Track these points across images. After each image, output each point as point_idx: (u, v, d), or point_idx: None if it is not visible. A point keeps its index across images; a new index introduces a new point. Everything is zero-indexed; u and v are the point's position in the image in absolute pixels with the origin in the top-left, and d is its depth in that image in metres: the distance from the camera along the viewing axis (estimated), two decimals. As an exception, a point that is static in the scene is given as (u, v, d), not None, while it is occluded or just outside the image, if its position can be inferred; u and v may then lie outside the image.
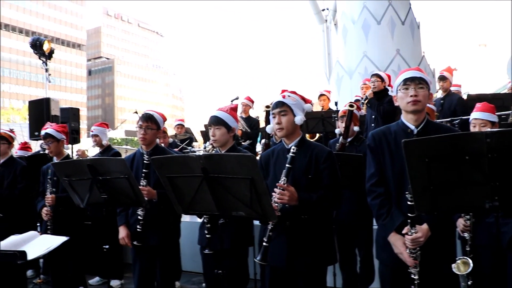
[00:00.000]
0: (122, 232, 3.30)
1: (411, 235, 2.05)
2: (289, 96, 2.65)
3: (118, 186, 2.70)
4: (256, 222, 2.93)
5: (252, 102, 7.38)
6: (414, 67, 2.42)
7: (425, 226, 2.08)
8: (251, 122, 7.16)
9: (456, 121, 4.82)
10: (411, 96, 2.23)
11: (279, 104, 2.61)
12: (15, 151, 5.58)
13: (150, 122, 3.29)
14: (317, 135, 6.79)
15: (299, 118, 2.58)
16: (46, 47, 8.15)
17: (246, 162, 1.94)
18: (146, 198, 2.89)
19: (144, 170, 3.13)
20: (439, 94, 6.25)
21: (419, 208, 1.70)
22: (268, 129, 2.72)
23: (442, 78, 5.99)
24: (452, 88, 6.28)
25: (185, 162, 2.10)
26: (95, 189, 2.78)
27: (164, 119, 3.47)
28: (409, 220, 2.02)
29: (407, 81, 2.27)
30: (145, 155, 3.19)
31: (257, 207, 2.04)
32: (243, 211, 2.09)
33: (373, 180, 2.37)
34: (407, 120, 2.31)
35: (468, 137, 1.58)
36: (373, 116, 5.57)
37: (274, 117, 2.62)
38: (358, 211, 3.55)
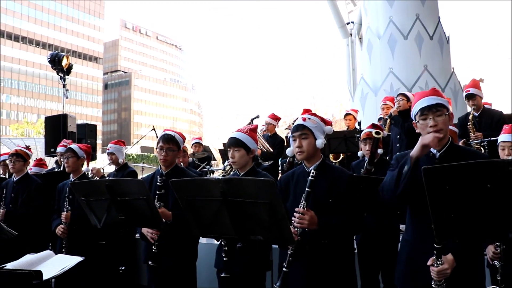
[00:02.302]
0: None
1: (437, 266, 2.04)
2: (309, 118, 2.73)
3: (136, 207, 2.81)
4: (275, 246, 3.00)
5: (277, 119, 7.41)
6: (429, 91, 2.43)
7: (450, 256, 2.09)
8: (275, 140, 7.21)
9: (485, 142, 4.80)
10: (430, 126, 2.26)
11: (300, 127, 2.69)
12: (30, 168, 5.77)
13: (172, 143, 3.40)
14: (341, 155, 6.84)
15: (320, 142, 2.66)
16: (64, 62, 8.47)
17: (265, 187, 2.02)
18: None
19: (157, 192, 3.22)
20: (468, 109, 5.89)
21: (440, 236, 1.74)
22: (289, 152, 2.81)
23: (470, 97, 5.45)
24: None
25: (204, 185, 2.19)
26: (113, 209, 2.90)
27: (184, 139, 3.59)
28: (434, 251, 2.02)
29: (424, 111, 2.31)
30: (158, 177, 3.27)
31: (276, 232, 2.11)
32: (262, 235, 2.17)
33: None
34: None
35: (490, 165, 1.62)
36: (398, 136, 5.60)
37: (294, 140, 2.70)
38: (381, 236, 3.58)
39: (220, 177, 2.09)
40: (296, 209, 2.47)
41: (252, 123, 6.31)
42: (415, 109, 2.39)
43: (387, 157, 4.75)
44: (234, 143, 3.08)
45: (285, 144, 7.13)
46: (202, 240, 4.48)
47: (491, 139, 4.82)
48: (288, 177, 2.84)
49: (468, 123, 5.43)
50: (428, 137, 2.19)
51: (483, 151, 4.86)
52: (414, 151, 2.20)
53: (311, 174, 2.55)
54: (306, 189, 2.53)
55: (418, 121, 2.36)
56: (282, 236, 2.12)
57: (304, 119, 2.72)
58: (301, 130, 2.68)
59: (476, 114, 5.52)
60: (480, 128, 5.40)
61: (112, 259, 4.22)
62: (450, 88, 10.61)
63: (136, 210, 2.83)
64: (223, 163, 8.06)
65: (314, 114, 2.83)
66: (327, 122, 2.84)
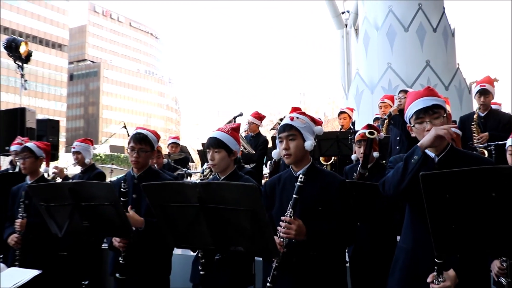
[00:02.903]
0: None
1: (437, 284, 2.05)
2: (297, 118, 2.74)
3: (103, 214, 2.78)
4: (258, 259, 3.00)
5: (261, 118, 7.42)
6: (424, 90, 2.46)
7: (452, 272, 2.11)
8: (258, 141, 7.22)
9: (492, 146, 4.86)
10: (427, 130, 2.30)
11: (287, 127, 2.70)
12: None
13: (144, 143, 3.40)
14: (333, 158, 6.89)
15: (309, 144, 2.67)
16: (23, 49, 8.34)
17: (247, 192, 2.02)
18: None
19: (122, 198, 3.09)
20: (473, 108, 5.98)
21: (439, 249, 1.76)
22: (275, 154, 2.82)
23: (484, 92, 5.44)
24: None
25: (179, 190, 2.18)
26: (76, 216, 2.86)
27: (158, 138, 3.57)
28: (435, 267, 2.03)
29: (420, 114, 2.35)
30: (122, 183, 3.20)
31: (259, 242, 2.12)
32: (243, 246, 2.17)
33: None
34: (428, 148, 2.35)
35: (495, 172, 1.64)
36: (397, 138, 5.64)
37: (281, 142, 2.71)
38: (376, 249, 3.61)
39: (197, 181, 2.08)
40: (282, 218, 2.47)
41: (235, 121, 6.32)
42: (409, 111, 2.43)
43: (384, 161, 4.78)
44: (214, 143, 3.08)
45: (270, 145, 7.15)
46: (177, 251, 4.48)
47: (499, 143, 4.87)
48: (274, 182, 2.85)
49: (473, 123, 5.47)
50: (442, 129, 2.20)
51: (486, 155, 4.89)
52: (425, 141, 2.22)
53: (299, 179, 2.55)
54: (294, 195, 2.53)
55: (413, 125, 2.40)
56: (266, 248, 2.12)
57: (291, 118, 2.73)
58: (288, 130, 2.69)
59: (482, 114, 5.55)
60: (486, 130, 5.42)
61: (74, 272, 4.18)
62: (455, 86, 10.75)
63: (103, 217, 2.80)
64: (202, 165, 8.05)
65: (303, 113, 2.84)
66: (317, 122, 2.86)
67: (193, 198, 2.13)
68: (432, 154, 2.36)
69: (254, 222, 2.04)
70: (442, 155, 2.35)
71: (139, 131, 3.46)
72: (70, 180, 4.83)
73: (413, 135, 2.46)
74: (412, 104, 2.42)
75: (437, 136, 2.19)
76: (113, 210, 2.71)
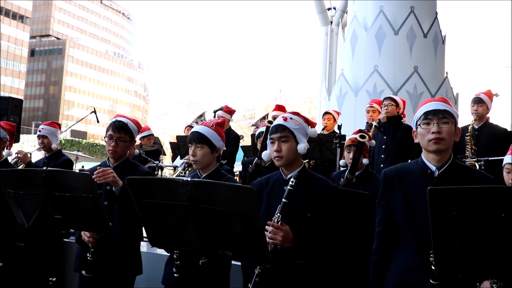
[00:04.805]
0: None
1: None
2: (291, 118, 2.75)
3: (78, 206, 2.74)
4: (235, 263, 2.99)
5: (231, 112, 7.39)
6: (438, 98, 2.50)
7: None
8: (229, 137, 7.19)
9: (482, 162, 4.96)
10: (433, 133, 2.32)
11: (280, 128, 2.70)
12: None
13: (124, 132, 3.37)
14: (311, 162, 6.87)
15: (302, 146, 2.68)
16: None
17: (244, 195, 2.02)
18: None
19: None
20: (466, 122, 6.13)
21: (440, 267, 1.80)
22: (265, 155, 2.83)
23: (478, 101, 5.65)
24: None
25: (169, 187, 2.16)
26: (48, 206, 2.81)
27: (139, 128, 3.55)
28: None
29: (428, 115, 2.36)
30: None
31: (251, 248, 2.11)
32: (231, 251, 2.17)
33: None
34: (428, 159, 2.40)
35: (507, 192, 1.66)
36: (383, 146, 5.72)
37: (272, 143, 2.71)
38: (362, 259, 3.64)
39: (189, 179, 2.07)
40: (269, 223, 2.47)
41: (215, 116, 6.31)
42: (418, 114, 2.44)
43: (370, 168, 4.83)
44: (197, 138, 3.06)
45: (248, 143, 7.13)
46: (142, 247, 4.43)
47: (489, 158, 5.00)
48: (262, 184, 2.85)
49: (467, 134, 5.60)
50: None
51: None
52: None
53: (290, 182, 2.56)
54: (283, 199, 2.54)
55: (419, 125, 2.40)
56: (258, 253, 2.12)
57: (285, 119, 2.73)
58: (281, 131, 2.69)
59: (476, 127, 5.70)
60: (479, 143, 5.57)
61: (35, 266, 4.09)
62: (441, 94, 10.87)
63: (78, 210, 2.76)
64: (174, 159, 8.00)
65: (297, 114, 2.85)
66: (311, 124, 2.88)
67: (183, 197, 2.11)
68: (433, 167, 2.39)
69: (247, 227, 2.04)
70: (443, 169, 2.37)
71: (119, 119, 3.42)
72: (37, 168, 4.72)
73: (416, 141, 2.46)
74: (422, 107, 2.43)
75: None
76: (90, 203, 2.67)
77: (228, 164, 6.94)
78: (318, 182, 2.73)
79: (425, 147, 2.39)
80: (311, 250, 2.55)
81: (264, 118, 7.41)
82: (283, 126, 2.70)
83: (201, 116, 7.75)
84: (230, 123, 7.27)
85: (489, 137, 5.58)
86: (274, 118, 4.30)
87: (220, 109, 6.41)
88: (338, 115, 7.58)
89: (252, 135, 7.00)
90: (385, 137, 5.70)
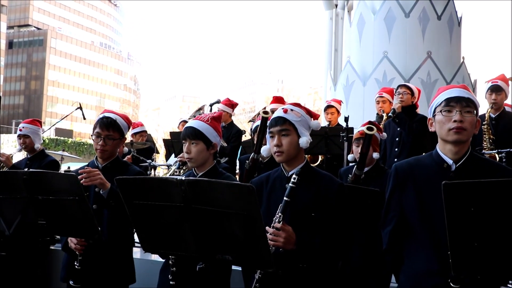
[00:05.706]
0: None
1: None
2: (292, 110, 2.75)
3: (64, 210, 2.74)
4: (236, 268, 2.99)
5: (233, 106, 7.39)
6: (460, 85, 2.48)
7: None
8: (230, 132, 7.20)
9: (503, 154, 4.95)
10: (454, 121, 2.30)
11: (280, 121, 2.70)
12: None
13: (113, 130, 3.37)
14: (320, 157, 6.88)
15: (305, 140, 2.68)
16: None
17: (244, 194, 2.02)
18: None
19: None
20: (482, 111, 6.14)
21: (457, 268, 1.79)
22: (264, 151, 2.82)
23: (496, 89, 5.66)
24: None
25: (161, 187, 2.17)
26: (30, 211, 2.81)
27: (130, 124, 3.55)
28: None
29: (450, 102, 2.34)
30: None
31: (252, 251, 2.12)
32: (231, 255, 2.17)
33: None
34: (445, 151, 2.39)
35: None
36: (396, 139, 5.68)
37: (272, 137, 2.71)
38: (370, 258, 3.66)
39: (183, 178, 2.07)
40: (272, 225, 2.48)
41: (211, 109, 6.31)
42: (438, 100, 2.42)
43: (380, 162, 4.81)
44: (191, 134, 3.07)
45: (248, 138, 7.12)
46: (136, 254, 4.45)
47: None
48: (261, 181, 2.86)
49: (484, 123, 5.57)
50: None
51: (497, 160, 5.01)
52: None
53: (291, 179, 2.55)
54: (285, 198, 2.53)
55: (439, 112, 2.38)
56: (260, 258, 2.12)
57: (285, 111, 2.73)
58: (281, 124, 2.69)
59: (493, 116, 5.72)
60: (497, 133, 5.58)
61: (18, 278, 4.10)
62: (457, 82, 10.83)
63: (64, 214, 2.77)
64: (168, 157, 8.00)
65: (298, 105, 2.85)
66: (314, 116, 2.87)
67: (177, 197, 2.12)
68: (449, 160, 2.38)
69: (248, 228, 2.04)
70: (461, 162, 2.36)
71: (107, 115, 3.42)
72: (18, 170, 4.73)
73: (432, 129, 2.45)
74: (443, 93, 2.42)
75: None
76: (76, 206, 2.67)
77: (230, 162, 6.96)
78: (322, 178, 2.72)
79: (443, 136, 2.37)
80: (316, 253, 2.55)
81: (263, 112, 7.40)
82: (283, 119, 2.69)
83: (199, 109, 7.72)
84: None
85: (509, 127, 5.59)
86: (273, 111, 4.28)
87: (217, 102, 6.41)
88: (340, 104, 7.51)
89: (250, 130, 7.01)
90: (398, 129, 5.65)
